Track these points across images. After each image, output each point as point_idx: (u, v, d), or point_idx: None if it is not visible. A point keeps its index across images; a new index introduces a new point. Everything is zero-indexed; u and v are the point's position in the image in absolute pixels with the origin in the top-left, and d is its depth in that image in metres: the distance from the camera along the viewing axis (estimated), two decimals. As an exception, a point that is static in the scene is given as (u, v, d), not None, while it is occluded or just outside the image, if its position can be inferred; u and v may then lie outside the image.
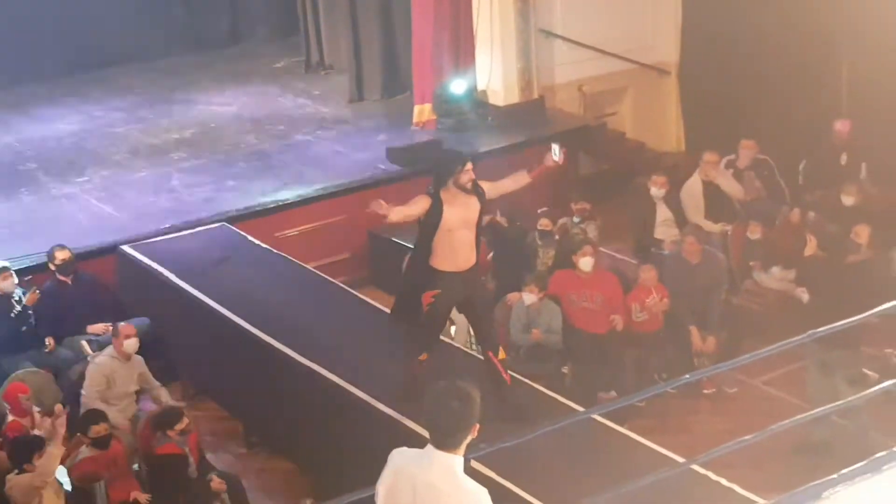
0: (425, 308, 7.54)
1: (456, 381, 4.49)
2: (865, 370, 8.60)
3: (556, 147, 7.24)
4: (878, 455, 6.12)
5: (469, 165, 7.32)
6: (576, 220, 11.21)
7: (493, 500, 6.87)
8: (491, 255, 10.61)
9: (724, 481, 6.86)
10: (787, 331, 7.63)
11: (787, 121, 12.32)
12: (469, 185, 7.34)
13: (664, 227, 11.04)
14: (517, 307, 9.80)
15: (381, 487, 4.62)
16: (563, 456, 7.17)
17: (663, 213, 11.08)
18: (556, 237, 10.97)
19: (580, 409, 7.81)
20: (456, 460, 4.42)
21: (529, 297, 9.71)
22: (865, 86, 12.14)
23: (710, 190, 11.31)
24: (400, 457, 4.64)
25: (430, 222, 7.38)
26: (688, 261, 10.11)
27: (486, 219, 10.83)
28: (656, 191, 11.03)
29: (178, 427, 8.15)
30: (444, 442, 4.45)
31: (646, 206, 11.15)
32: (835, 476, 5.96)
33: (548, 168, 7.56)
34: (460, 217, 7.37)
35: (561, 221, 11.35)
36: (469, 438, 4.48)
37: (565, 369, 9.74)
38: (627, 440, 7.60)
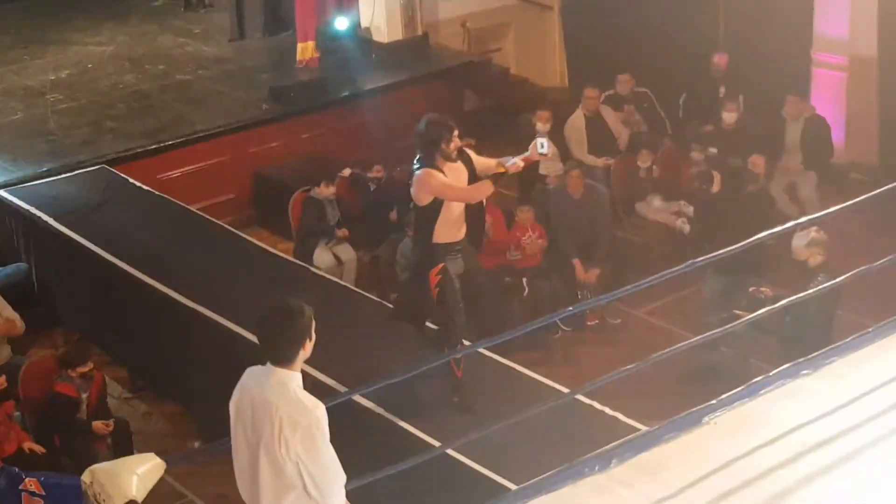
0: (435, 290, 6.98)
1: (287, 299, 4.61)
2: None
3: (542, 141, 6.99)
4: (755, 380, 6.31)
5: (456, 132, 6.86)
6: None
7: (381, 438, 6.95)
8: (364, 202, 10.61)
9: (608, 410, 7.00)
10: (668, 262, 7.80)
11: (668, 54, 12.44)
12: (455, 154, 6.91)
13: (548, 163, 11.10)
14: (403, 245, 9.81)
15: (231, 404, 4.83)
16: (451, 391, 7.23)
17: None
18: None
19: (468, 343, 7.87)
20: (291, 376, 4.61)
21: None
22: (742, 18, 12.32)
23: (593, 124, 11.41)
24: (247, 374, 4.82)
25: (434, 203, 6.87)
26: (571, 195, 10.20)
27: (346, 172, 10.81)
28: (541, 126, 11.07)
29: (81, 369, 8.03)
30: (278, 357, 4.62)
31: (530, 141, 11.15)
32: (714, 401, 6.13)
33: (532, 161, 7.14)
34: (461, 184, 6.92)
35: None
36: (302, 354, 4.64)
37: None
38: (513, 372, 7.69)
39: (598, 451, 5.77)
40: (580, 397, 6.83)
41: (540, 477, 5.61)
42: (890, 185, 7.00)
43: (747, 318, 6.83)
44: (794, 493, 5.47)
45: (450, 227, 6.91)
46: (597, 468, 5.69)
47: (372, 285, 10.09)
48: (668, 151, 11.45)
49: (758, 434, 5.90)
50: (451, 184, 6.75)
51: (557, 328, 9.67)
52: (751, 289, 8.08)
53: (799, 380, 6.36)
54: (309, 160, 11.80)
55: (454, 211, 6.88)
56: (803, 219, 7.28)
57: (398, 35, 13.76)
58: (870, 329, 6.84)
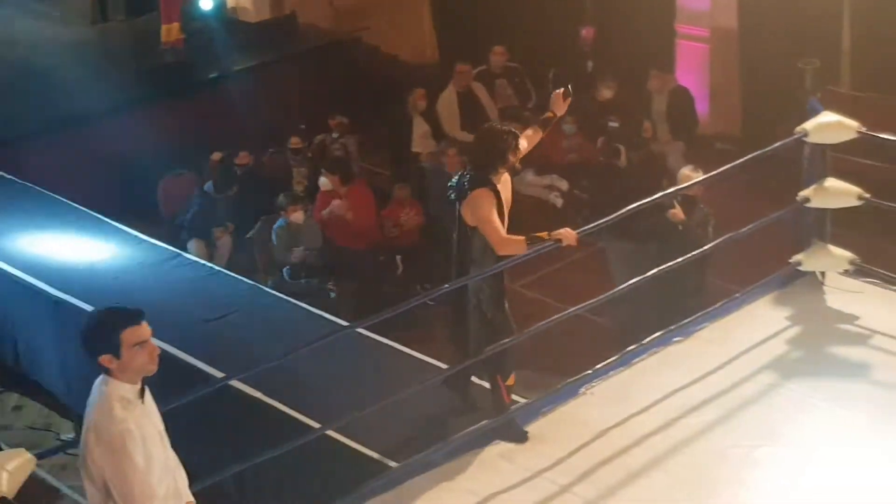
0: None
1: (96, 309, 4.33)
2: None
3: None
4: (629, 349, 6.42)
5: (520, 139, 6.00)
6: (334, 135, 11.14)
7: (262, 419, 6.88)
8: (236, 189, 10.49)
9: (487, 384, 7.03)
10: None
11: (536, 29, 12.53)
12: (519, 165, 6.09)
13: (422, 140, 11.11)
14: (277, 228, 9.74)
15: None
16: (330, 371, 7.20)
17: (420, 126, 11.14)
18: (309, 155, 10.93)
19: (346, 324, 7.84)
20: (113, 385, 4.19)
21: (297, 216, 9.67)
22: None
23: (465, 100, 11.43)
24: None
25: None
26: (448, 173, 10.21)
27: (216, 156, 10.64)
28: (414, 104, 11.07)
29: None
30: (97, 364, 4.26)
31: (403, 119, 11.18)
32: (590, 371, 6.23)
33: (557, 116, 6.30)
34: (508, 198, 5.98)
35: (318, 138, 11.28)
36: (118, 364, 4.20)
37: (330, 285, 9.77)
38: (393, 351, 7.70)
39: (479, 425, 5.81)
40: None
41: (422, 454, 5.64)
42: (754, 154, 7.16)
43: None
44: (670, 457, 5.60)
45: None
46: (478, 444, 5.74)
47: (245, 269, 9.98)
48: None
49: (633, 401, 6.02)
50: (494, 223, 5.72)
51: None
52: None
53: (671, 347, 6.51)
54: (176, 144, 11.59)
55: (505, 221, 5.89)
56: (672, 189, 7.40)
57: (265, 14, 13.60)
58: (737, 294, 7.01)
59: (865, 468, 5.44)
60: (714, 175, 6.93)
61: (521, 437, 5.85)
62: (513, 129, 5.92)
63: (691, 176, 8.03)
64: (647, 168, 9.58)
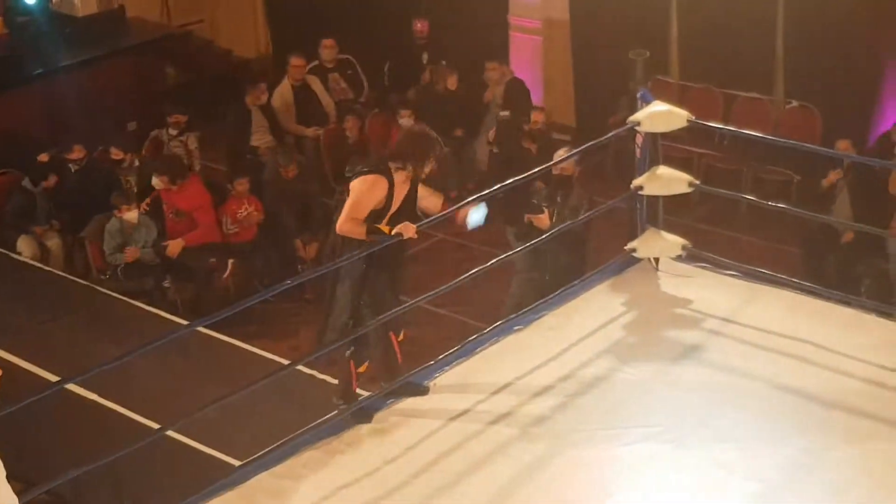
0: None
1: None
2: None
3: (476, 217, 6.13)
4: (470, 339, 6.47)
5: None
6: (172, 132, 10.93)
7: (99, 422, 6.71)
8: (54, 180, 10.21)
9: (329, 378, 6.99)
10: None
11: (370, 21, 12.52)
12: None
13: (259, 135, 11.00)
14: (110, 226, 9.51)
15: None
16: (169, 370, 7.07)
17: (259, 120, 11.02)
18: (143, 153, 10.75)
19: (185, 322, 7.72)
20: None
21: (130, 215, 9.46)
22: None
23: (301, 94, 11.36)
24: None
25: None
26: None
27: (44, 157, 10.33)
28: (255, 98, 10.96)
29: None
30: None
31: (240, 114, 11.04)
32: (432, 363, 6.25)
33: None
34: (398, 199, 5.92)
35: (153, 133, 11.06)
36: None
37: (167, 283, 9.60)
38: (233, 348, 7.59)
39: (323, 419, 5.78)
40: (301, 367, 6.81)
41: (263, 451, 5.57)
42: (588, 144, 7.30)
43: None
44: (513, 443, 5.65)
45: None
46: (322, 438, 5.70)
47: (78, 269, 9.73)
48: (376, 118, 11.53)
49: (476, 390, 6.06)
50: (356, 204, 5.72)
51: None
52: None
53: (513, 335, 6.57)
54: (2, 142, 11.21)
55: None
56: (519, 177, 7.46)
57: (92, 8, 13.19)
58: (576, 282, 7.13)
59: (701, 447, 5.58)
60: (548, 166, 7.05)
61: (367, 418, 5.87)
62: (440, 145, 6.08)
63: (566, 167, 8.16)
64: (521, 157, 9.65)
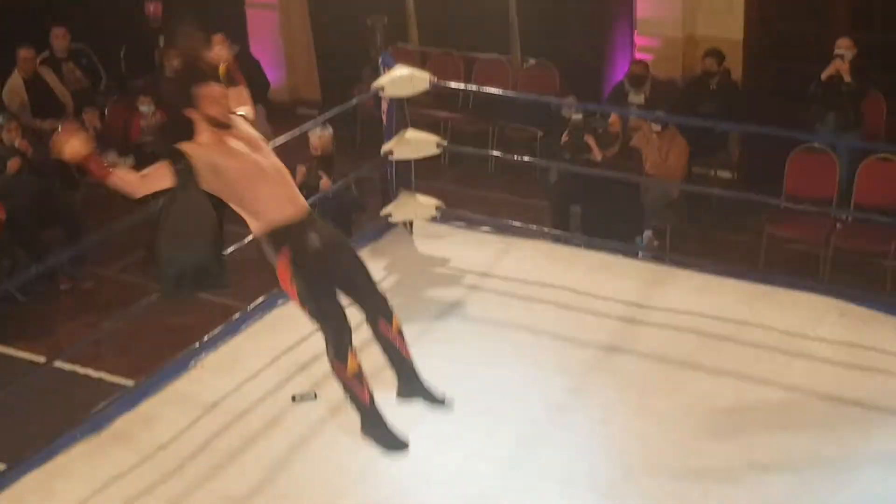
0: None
1: None
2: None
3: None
4: (234, 316, 6.41)
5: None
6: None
7: None
8: None
9: (92, 372, 6.83)
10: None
11: (101, 7, 12.13)
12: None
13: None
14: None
15: None
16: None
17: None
18: None
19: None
20: None
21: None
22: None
23: (34, 87, 10.95)
24: None
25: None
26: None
27: None
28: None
29: None
30: None
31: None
32: (197, 345, 6.17)
33: None
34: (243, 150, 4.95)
35: None
36: None
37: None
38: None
39: (92, 412, 5.64)
40: (60, 364, 6.61)
41: (30, 453, 5.40)
42: (331, 112, 7.32)
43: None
44: (286, 414, 5.64)
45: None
46: (92, 431, 5.56)
47: None
48: (116, 106, 11.22)
49: (244, 369, 6.01)
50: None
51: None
52: None
53: (277, 310, 6.54)
54: None
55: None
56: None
57: None
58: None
59: (470, 399, 5.70)
60: (294, 133, 7.03)
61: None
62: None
63: (323, 135, 8.16)
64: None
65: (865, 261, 8.26)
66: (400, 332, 5.19)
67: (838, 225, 8.65)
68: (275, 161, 5.01)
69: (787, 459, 5.22)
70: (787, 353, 5.97)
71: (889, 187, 8.52)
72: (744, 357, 5.88)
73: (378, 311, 5.12)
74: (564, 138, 8.48)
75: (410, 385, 5.30)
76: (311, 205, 5.17)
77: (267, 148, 5.06)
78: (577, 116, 8.42)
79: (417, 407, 5.42)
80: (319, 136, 8.70)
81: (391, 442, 5.08)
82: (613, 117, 8.49)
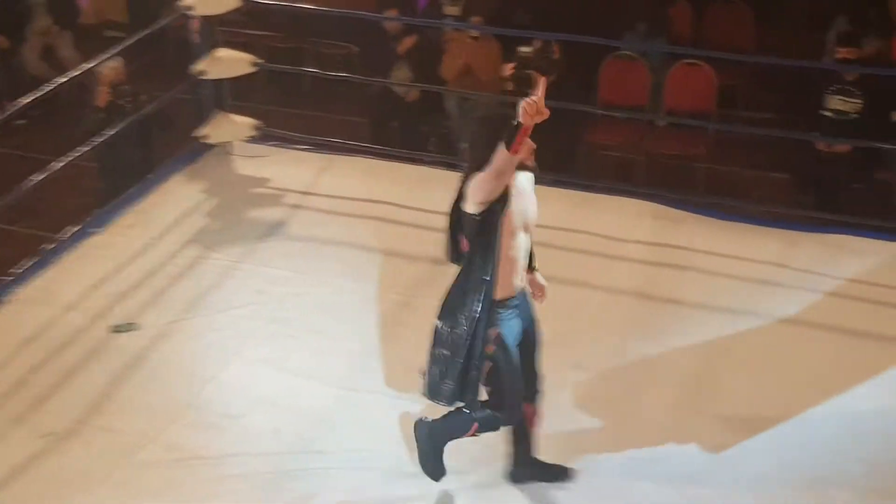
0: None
1: None
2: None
3: None
4: (43, 247, 6.21)
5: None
6: None
7: None
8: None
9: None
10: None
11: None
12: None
13: None
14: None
15: None
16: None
17: None
18: None
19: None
20: None
21: None
22: None
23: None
24: None
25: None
26: None
27: None
28: None
29: None
30: None
31: None
32: (9, 278, 5.96)
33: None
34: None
35: None
36: None
37: None
38: None
39: None
40: None
41: None
42: (141, 34, 7.10)
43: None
44: (105, 347, 5.51)
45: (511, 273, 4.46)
46: None
47: None
48: None
49: (59, 301, 5.84)
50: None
51: None
52: None
53: (90, 239, 6.34)
54: None
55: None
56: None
57: None
58: (149, 175, 6.98)
59: (299, 318, 5.68)
60: (103, 60, 6.79)
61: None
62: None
63: (116, 67, 7.80)
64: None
65: (678, 164, 8.45)
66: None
67: (651, 131, 8.82)
68: None
69: (602, 355, 5.42)
70: (606, 256, 6.11)
71: (697, 91, 8.70)
72: (568, 262, 5.98)
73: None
74: (509, 70, 8.31)
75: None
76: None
77: None
78: (526, 49, 8.26)
79: (241, 329, 5.38)
80: (113, 67, 8.19)
81: (434, 470, 4.61)
82: (555, 47, 8.37)
